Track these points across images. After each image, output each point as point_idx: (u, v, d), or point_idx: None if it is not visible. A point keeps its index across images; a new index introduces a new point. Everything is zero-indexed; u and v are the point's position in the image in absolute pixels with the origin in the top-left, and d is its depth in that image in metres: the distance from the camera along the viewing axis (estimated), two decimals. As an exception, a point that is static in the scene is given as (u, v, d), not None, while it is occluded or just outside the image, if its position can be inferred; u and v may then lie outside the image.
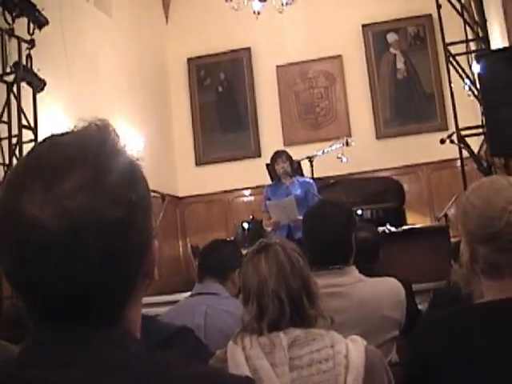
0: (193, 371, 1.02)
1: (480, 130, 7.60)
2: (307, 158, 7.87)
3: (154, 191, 10.52)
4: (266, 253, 2.12)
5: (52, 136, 1.04)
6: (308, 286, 2.11)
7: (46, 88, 7.61)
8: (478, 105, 7.70)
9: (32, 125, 7.45)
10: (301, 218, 6.21)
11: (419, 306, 4.75)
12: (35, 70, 7.43)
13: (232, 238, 9.49)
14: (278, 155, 7.24)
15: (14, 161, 7.13)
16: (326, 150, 8.30)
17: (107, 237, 0.94)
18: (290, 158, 7.17)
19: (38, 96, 7.59)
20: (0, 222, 0.96)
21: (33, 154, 1.02)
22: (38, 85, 7.51)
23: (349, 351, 1.99)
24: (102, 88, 9.71)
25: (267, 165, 8.12)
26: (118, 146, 1.03)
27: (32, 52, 7.40)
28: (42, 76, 7.49)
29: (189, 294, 3.75)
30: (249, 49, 12.10)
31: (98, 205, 0.94)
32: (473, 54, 7.81)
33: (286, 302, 2.04)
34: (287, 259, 2.11)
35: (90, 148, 0.99)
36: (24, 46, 7.31)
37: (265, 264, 2.10)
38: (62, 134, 1.03)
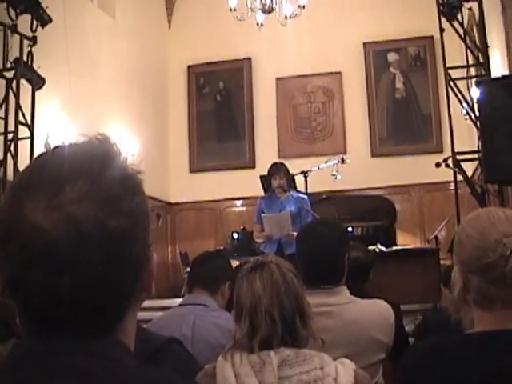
0: None
1: (475, 156, 7.61)
2: (302, 172, 7.86)
3: (149, 197, 10.39)
4: (261, 271, 2.12)
5: (55, 147, 1.04)
6: (301, 307, 2.11)
7: (44, 86, 7.60)
8: (475, 130, 7.73)
9: (29, 122, 7.44)
10: (293, 233, 6.27)
11: (405, 328, 4.74)
12: (35, 68, 7.43)
13: (221, 248, 9.50)
14: (276, 169, 7.17)
15: (9, 157, 7.11)
16: (321, 166, 8.30)
17: (110, 246, 0.95)
18: (287, 172, 7.14)
19: (37, 94, 7.58)
20: (3, 228, 0.96)
21: (36, 163, 1.02)
22: (38, 82, 7.50)
23: (338, 374, 1.99)
24: (100, 89, 9.71)
25: (261, 176, 8.12)
26: (120, 158, 1.04)
27: (33, 49, 7.40)
28: (41, 74, 7.49)
29: (174, 300, 3.74)
30: (249, 59, 12.13)
31: (102, 214, 0.95)
32: (473, 80, 7.84)
33: (278, 322, 2.04)
34: (282, 278, 2.10)
35: (93, 159, 1.00)
36: (26, 42, 7.32)
37: (259, 282, 2.09)
38: (64, 146, 1.04)
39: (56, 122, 8.31)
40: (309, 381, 1.97)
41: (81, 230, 0.93)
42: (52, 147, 1.05)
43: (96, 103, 9.31)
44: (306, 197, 7.31)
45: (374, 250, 7.37)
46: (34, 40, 7.35)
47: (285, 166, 7.25)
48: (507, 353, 1.69)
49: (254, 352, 2.02)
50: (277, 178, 7.06)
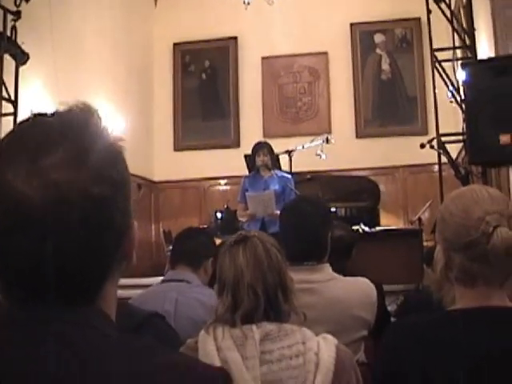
0: (170, 359, 1.02)
1: (460, 138, 7.63)
2: (286, 151, 7.86)
3: (133, 175, 10.42)
4: (244, 245, 2.11)
5: (35, 115, 1.04)
6: (284, 282, 2.11)
7: (28, 62, 7.53)
8: (460, 112, 7.74)
9: (12, 98, 7.37)
10: (277, 212, 6.27)
11: (388, 308, 4.77)
12: (19, 43, 7.35)
13: (205, 226, 9.49)
14: (260, 147, 7.20)
15: (-8, 132, 7.07)
16: (306, 146, 8.30)
17: (91, 213, 0.95)
18: (271, 151, 7.14)
19: (21, 69, 7.51)
20: None
21: (16, 131, 1.02)
22: (22, 58, 7.43)
23: (320, 349, 1.99)
24: (85, 65, 9.62)
25: (245, 156, 8.11)
26: (100, 126, 1.05)
27: (17, 24, 7.32)
28: (25, 49, 7.42)
29: (157, 278, 3.74)
30: (235, 38, 12.05)
31: (84, 180, 0.95)
32: (459, 62, 7.83)
33: (261, 296, 2.03)
34: (265, 253, 2.10)
35: (73, 126, 1.00)
36: (9, 17, 7.22)
37: (242, 256, 2.09)
38: (46, 114, 1.04)
39: (40, 98, 8.24)
40: (290, 355, 1.97)
41: (62, 195, 0.93)
42: (32, 115, 1.05)
43: (80, 80, 9.22)
44: (290, 176, 7.32)
45: (358, 229, 7.39)
46: (17, 15, 7.25)
47: (269, 144, 7.26)
48: (491, 329, 1.70)
49: (236, 326, 2.02)
50: (260, 155, 7.06)
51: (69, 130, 0.99)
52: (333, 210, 8.20)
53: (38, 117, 1.04)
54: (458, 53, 8.49)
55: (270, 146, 7.19)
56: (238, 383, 1.91)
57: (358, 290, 2.97)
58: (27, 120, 1.03)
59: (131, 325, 1.94)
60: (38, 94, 8.22)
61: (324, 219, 3.03)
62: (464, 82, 6.45)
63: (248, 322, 2.02)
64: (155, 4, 12.46)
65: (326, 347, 2.01)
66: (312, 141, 8.46)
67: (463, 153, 7.74)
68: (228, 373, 1.05)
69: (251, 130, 11.46)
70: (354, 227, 7.13)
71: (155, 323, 2.14)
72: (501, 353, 1.67)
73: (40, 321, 0.96)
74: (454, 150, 8.15)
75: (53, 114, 1.04)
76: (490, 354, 1.65)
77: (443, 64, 8.05)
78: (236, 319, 2.02)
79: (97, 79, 9.99)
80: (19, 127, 1.02)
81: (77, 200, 0.93)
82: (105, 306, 1.03)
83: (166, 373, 0.96)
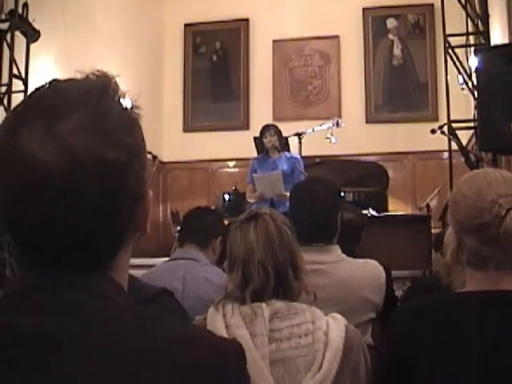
0: (183, 330, 1.01)
1: (471, 124, 7.61)
2: (296, 134, 7.83)
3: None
4: (255, 222, 2.11)
5: (53, 80, 1.04)
6: (294, 260, 2.10)
7: (39, 40, 7.53)
8: (472, 99, 7.70)
9: (23, 75, 7.37)
10: (285, 193, 6.27)
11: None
12: (30, 21, 7.34)
13: (213, 208, 9.50)
14: (266, 129, 7.22)
15: (2, 110, 7.06)
16: (316, 129, 8.27)
17: (106, 178, 0.95)
18: (278, 132, 7.15)
19: (31, 47, 7.50)
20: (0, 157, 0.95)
21: (34, 95, 1.02)
22: (33, 35, 7.43)
23: (329, 328, 1.99)
24: (95, 44, 9.59)
25: (255, 138, 8.10)
26: (118, 92, 1.05)
27: (29, 1, 7.31)
28: (36, 27, 7.41)
29: (163, 258, 3.73)
30: (247, 20, 12.00)
31: (100, 145, 0.94)
32: (471, 48, 7.79)
33: (271, 273, 2.03)
34: (276, 231, 2.09)
35: (91, 91, 1.00)
36: (21, -6, 7.22)
37: (253, 233, 2.08)
38: (64, 80, 1.04)
39: (50, 76, 8.17)
40: (299, 334, 1.97)
41: (77, 159, 0.92)
42: (50, 80, 1.04)
43: (90, 59, 9.18)
44: (299, 157, 7.32)
45: (366, 214, 7.38)
46: (29, -9, 7.26)
47: (275, 126, 7.28)
48: (503, 312, 1.69)
49: (245, 303, 2.02)
50: (267, 136, 7.08)
51: (85, 96, 0.99)
52: (341, 194, 8.19)
53: (55, 82, 1.03)
54: (471, 39, 8.44)
55: (277, 128, 7.19)
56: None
57: (367, 271, 2.96)
58: (45, 85, 1.03)
59: (140, 300, 1.94)
60: (48, 72, 8.21)
61: (334, 200, 3.02)
62: (476, 68, 6.41)
63: (258, 300, 2.02)
64: (167, -16, 12.41)
65: (335, 327, 2.00)
66: (322, 124, 8.43)
67: (474, 140, 7.73)
68: (242, 346, 1.04)
69: (261, 112, 11.43)
70: (363, 211, 7.11)
71: (164, 299, 2.14)
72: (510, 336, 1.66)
73: (51, 285, 0.95)
74: (464, 136, 8.13)
75: (71, 79, 1.04)
76: (502, 338, 1.64)
77: (456, 50, 8.01)
78: (246, 296, 2.02)
79: (107, 58, 9.94)
80: (37, 92, 1.02)
81: (91, 164, 0.93)
82: (116, 274, 1.03)
83: (179, 343, 0.96)
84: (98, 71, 1.05)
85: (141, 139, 1.05)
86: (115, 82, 1.06)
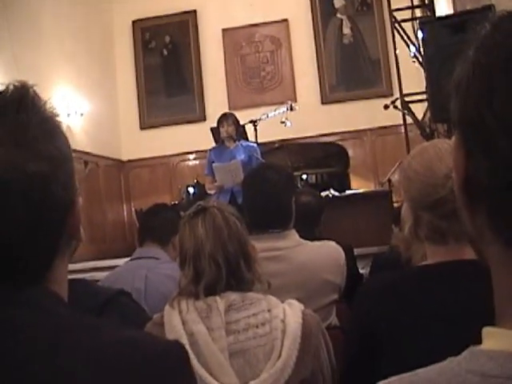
0: (122, 335, 1.00)
1: (424, 97, 7.65)
2: (250, 121, 7.83)
3: (101, 156, 10.50)
4: (203, 216, 2.09)
5: None
6: (245, 250, 2.09)
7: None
8: (423, 71, 7.75)
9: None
10: (245, 182, 6.27)
11: (362, 271, 4.78)
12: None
13: (176, 202, 9.47)
14: (223, 118, 7.20)
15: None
16: (270, 115, 8.27)
17: (30, 192, 0.93)
18: (236, 121, 7.13)
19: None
20: None
21: None
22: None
23: (286, 315, 1.99)
24: (45, 49, 9.46)
25: (211, 128, 8.08)
26: (37, 102, 1.02)
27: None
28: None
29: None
30: (195, 11, 11.96)
31: (20, 159, 0.93)
32: (418, 21, 7.83)
33: (222, 266, 2.02)
34: (224, 222, 2.08)
35: (8, 104, 0.98)
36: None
37: (201, 227, 2.07)
38: None
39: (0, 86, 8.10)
40: (256, 324, 1.96)
41: None
42: None
43: (41, 67, 9.07)
44: (255, 145, 7.32)
45: (327, 195, 7.40)
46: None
47: (233, 114, 7.25)
48: (467, 280, 1.69)
49: (199, 298, 2.01)
50: (224, 125, 7.06)
51: (3, 109, 0.97)
52: (303, 177, 8.21)
53: None
54: (418, 12, 8.49)
55: (235, 117, 7.17)
56: (205, 355, 1.90)
57: (325, 253, 2.95)
58: None
59: (96, 304, 1.92)
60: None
61: (286, 185, 3.00)
62: (423, 41, 6.44)
63: (211, 294, 2.01)
64: (111, -18, 12.29)
65: (291, 313, 2.00)
66: (276, 109, 8.44)
67: (428, 112, 7.77)
68: (183, 346, 1.04)
69: (216, 103, 11.41)
70: (324, 193, 7.13)
71: (120, 301, 2.12)
72: (477, 304, 1.66)
73: None
74: (420, 110, 8.17)
75: None
76: (467, 305, 1.65)
77: (403, 24, 8.05)
78: (199, 291, 2.01)
79: (57, 63, 9.85)
80: None
81: (14, 180, 0.92)
82: (54, 285, 1.02)
83: (114, 348, 0.95)
84: (17, 81, 1.03)
85: (64, 147, 1.03)
86: (34, 92, 1.03)
